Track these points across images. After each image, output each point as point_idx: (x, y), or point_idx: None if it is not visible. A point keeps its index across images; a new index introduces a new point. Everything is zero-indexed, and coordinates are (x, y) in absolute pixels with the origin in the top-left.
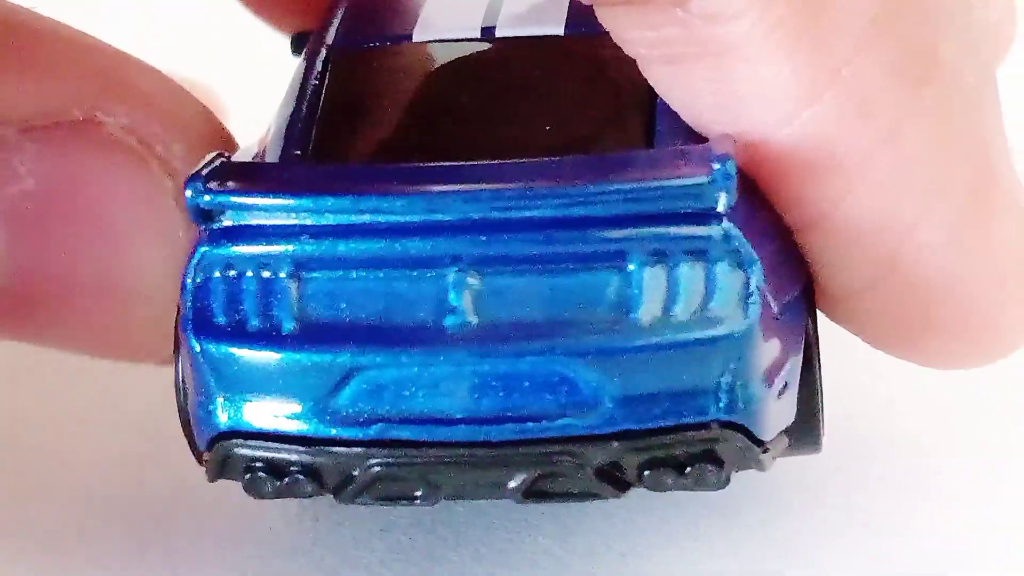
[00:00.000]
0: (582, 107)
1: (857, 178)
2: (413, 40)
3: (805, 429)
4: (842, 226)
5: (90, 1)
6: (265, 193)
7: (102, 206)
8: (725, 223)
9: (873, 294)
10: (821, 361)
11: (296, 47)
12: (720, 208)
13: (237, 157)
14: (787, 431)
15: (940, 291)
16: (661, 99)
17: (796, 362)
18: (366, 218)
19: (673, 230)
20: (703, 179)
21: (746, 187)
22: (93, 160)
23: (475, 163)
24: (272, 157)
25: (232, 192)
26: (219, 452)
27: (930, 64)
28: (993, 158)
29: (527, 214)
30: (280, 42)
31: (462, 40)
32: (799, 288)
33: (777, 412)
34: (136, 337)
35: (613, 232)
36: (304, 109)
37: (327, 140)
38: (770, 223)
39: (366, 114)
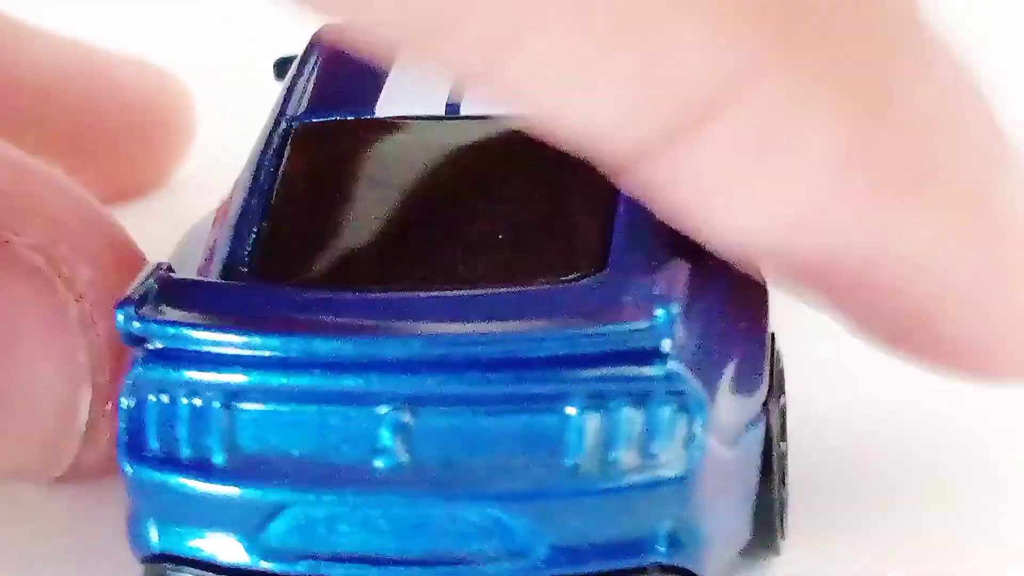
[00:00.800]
0: (538, 206)
1: (858, 285)
2: (376, 115)
3: (762, 536)
4: (847, 315)
5: None
6: (196, 325)
7: (4, 327)
8: (669, 364)
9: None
10: (786, 450)
11: (278, 72)
12: (664, 349)
13: (180, 256)
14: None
15: (960, 345)
16: (622, 200)
17: (752, 481)
18: (298, 354)
19: (613, 372)
20: (644, 324)
21: (702, 306)
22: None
23: (415, 296)
24: (218, 261)
25: (161, 322)
26: (152, 571)
27: (915, 175)
28: (1009, 237)
29: (463, 355)
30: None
31: (425, 118)
32: (758, 403)
33: (725, 542)
34: (29, 456)
35: (551, 375)
36: (256, 200)
37: (276, 243)
38: (728, 341)
39: (319, 212)
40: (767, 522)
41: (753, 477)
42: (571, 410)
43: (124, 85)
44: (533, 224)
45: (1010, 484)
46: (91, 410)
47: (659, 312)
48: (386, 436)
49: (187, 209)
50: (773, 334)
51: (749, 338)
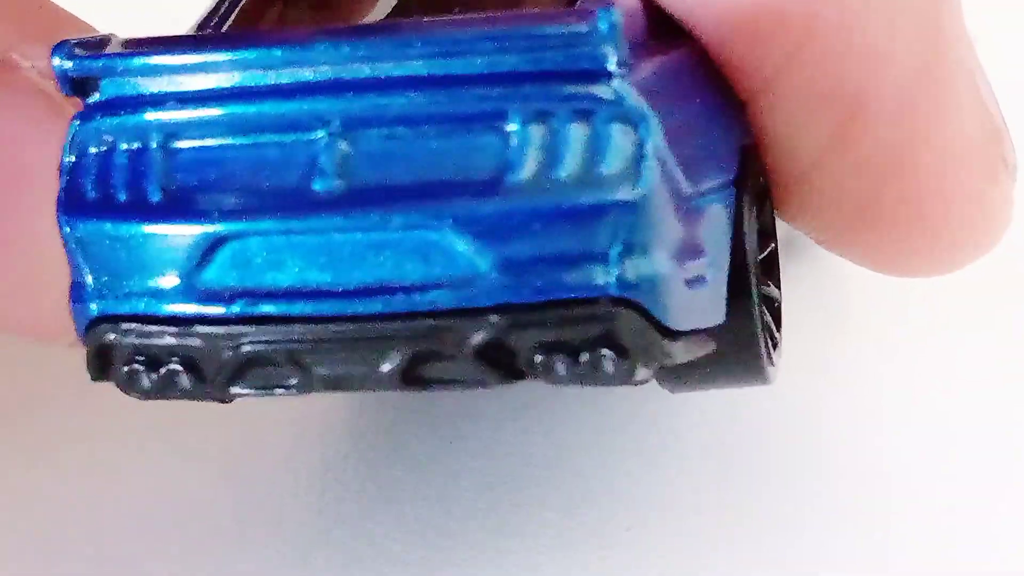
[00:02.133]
0: None
1: (804, 39)
2: None
3: (743, 348)
4: (790, 91)
5: None
6: (129, 57)
7: (15, 148)
8: (616, 81)
9: (822, 172)
10: (779, 297)
11: None
12: (610, 65)
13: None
14: (715, 337)
15: (889, 167)
16: None
17: (719, 257)
18: (233, 80)
19: (558, 88)
20: (582, 28)
21: (670, 59)
22: (7, 101)
23: (347, 25)
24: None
25: (96, 58)
26: (94, 340)
27: None
28: (944, 25)
29: (400, 72)
30: None
31: None
32: (726, 177)
33: (689, 302)
34: (41, 311)
35: (491, 89)
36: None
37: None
38: (691, 106)
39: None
40: (747, 324)
41: (721, 252)
42: (512, 126)
43: None
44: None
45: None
46: None
47: (600, 15)
48: (323, 160)
49: None
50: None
51: (718, 119)
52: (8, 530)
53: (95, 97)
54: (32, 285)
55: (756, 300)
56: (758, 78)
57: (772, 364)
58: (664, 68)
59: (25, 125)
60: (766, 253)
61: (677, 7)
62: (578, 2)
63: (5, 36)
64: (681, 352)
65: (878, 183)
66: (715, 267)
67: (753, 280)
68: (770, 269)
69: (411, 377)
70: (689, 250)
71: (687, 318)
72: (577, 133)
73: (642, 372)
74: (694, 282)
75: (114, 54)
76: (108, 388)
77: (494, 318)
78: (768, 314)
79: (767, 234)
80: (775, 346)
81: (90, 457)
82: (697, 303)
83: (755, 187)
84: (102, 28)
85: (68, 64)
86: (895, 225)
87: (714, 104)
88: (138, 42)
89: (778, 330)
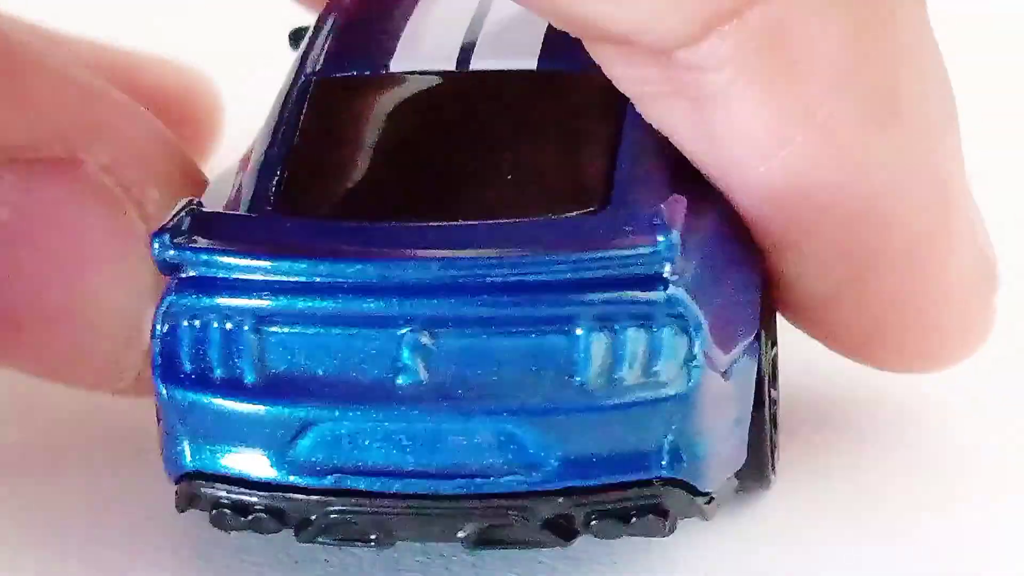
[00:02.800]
0: (545, 150)
1: (827, 211)
2: (391, 70)
3: (755, 468)
4: (810, 251)
5: None
6: (227, 252)
7: (75, 243)
8: (671, 289)
9: (831, 310)
10: (777, 397)
11: (293, 41)
12: (666, 274)
13: (209, 198)
14: (736, 473)
15: (895, 308)
16: (624, 143)
17: (745, 410)
18: (324, 278)
19: (619, 296)
20: (647, 249)
21: (700, 239)
22: (70, 197)
23: (432, 225)
24: (244, 200)
25: (195, 250)
26: (186, 489)
27: (895, 106)
28: (952, 193)
29: (479, 279)
30: (279, 31)
31: (437, 73)
32: (751, 335)
33: (722, 462)
34: (94, 367)
35: (561, 298)
36: (278, 147)
37: (298, 182)
38: (723, 276)
39: (338, 155)
40: (760, 446)
41: (747, 404)
42: (579, 331)
43: (149, 84)
44: (541, 166)
45: (999, 422)
46: None
47: (661, 239)
48: (406, 356)
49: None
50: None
51: (742, 273)
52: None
53: (189, 273)
54: (87, 349)
55: (771, 434)
56: (784, 239)
57: (775, 472)
58: (704, 254)
59: (88, 218)
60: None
61: (711, 172)
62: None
63: (72, 132)
64: (714, 508)
65: (884, 319)
66: (743, 419)
67: (769, 418)
68: (775, 373)
69: (482, 540)
70: (725, 418)
71: (720, 477)
72: (636, 337)
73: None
74: (728, 442)
75: (211, 249)
76: None
77: (560, 499)
78: (773, 425)
79: (774, 343)
80: (775, 452)
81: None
82: (729, 459)
83: (769, 326)
84: (103, 29)
85: (168, 253)
86: (898, 346)
87: (741, 262)
88: (232, 227)
89: (776, 432)
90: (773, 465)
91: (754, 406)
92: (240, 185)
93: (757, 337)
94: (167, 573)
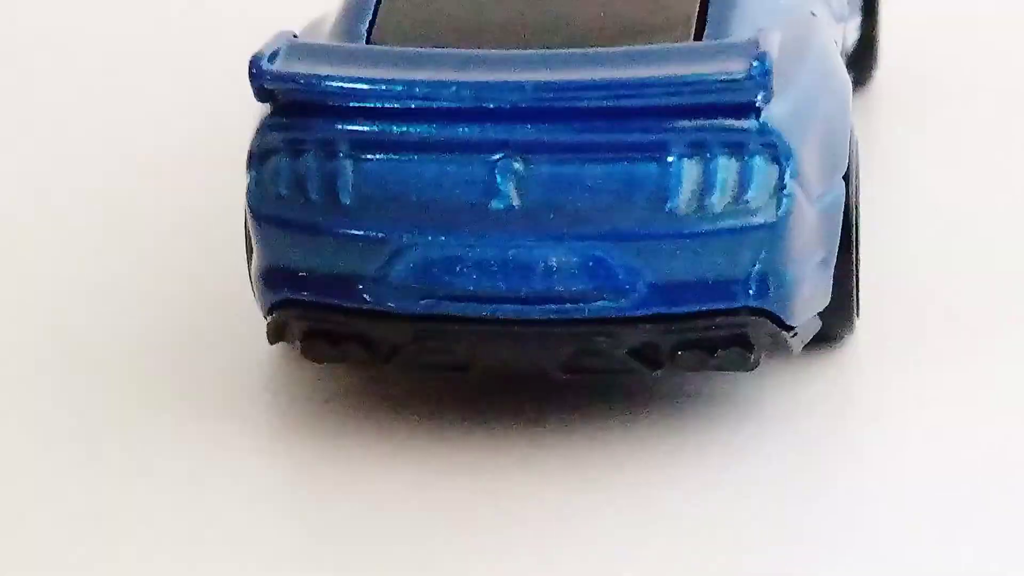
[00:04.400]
0: None
1: None
2: None
3: (839, 309)
4: None
5: None
6: (323, 77)
7: None
8: (763, 117)
9: None
10: (859, 241)
11: None
12: (758, 103)
13: (303, 34)
14: (820, 314)
15: None
16: None
17: (832, 248)
18: (419, 103)
19: (711, 123)
20: (740, 74)
21: (795, 72)
22: None
23: (526, 51)
24: (337, 33)
25: (291, 75)
26: (276, 320)
27: None
28: None
29: (571, 105)
30: None
31: None
32: (838, 174)
33: (809, 298)
34: None
35: (653, 124)
36: None
37: (391, 19)
38: (817, 110)
39: None
40: (845, 288)
41: (835, 241)
42: (670, 157)
43: None
44: (634, 2)
45: None
46: None
47: (755, 65)
48: (500, 181)
49: None
50: (854, 124)
51: (833, 113)
52: None
53: (284, 100)
54: None
55: (856, 274)
56: None
57: (858, 316)
58: (800, 86)
59: None
60: None
61: None
62: (722, 38)
63: None
64: (799, 343)
65: None
66: (830, 255)
67: (855, 259)
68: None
69: (569, 367)
70: (813, 253)
71: (806, 312)
72: (727, 165)
73: (761, 360)
74: (815, 279)
75: (307, 74)
76: None
77: (648, 326)
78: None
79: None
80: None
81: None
82: (815, 296)
83: (855, 170)
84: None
85: (265, 78)
86: None
87: (837, 98)
88: (328, 55)
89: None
90: (857, 309)
91: (841, 246)
92: (332, 26)
93: (846, 177)
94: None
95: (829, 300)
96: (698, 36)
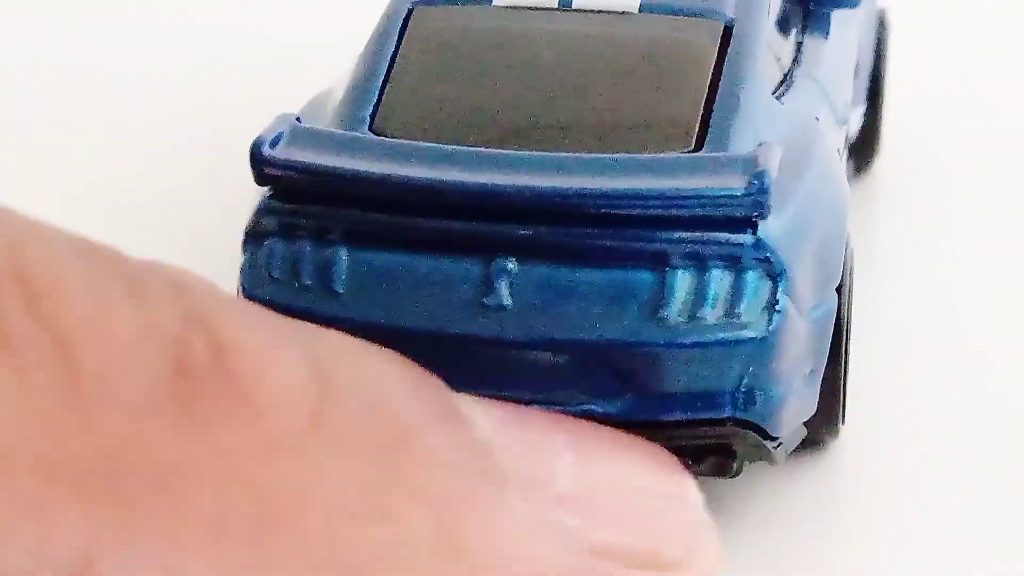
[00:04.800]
0: (642, 90)
1: None
2: (492, 3)
3: (825, 418)
4: None
5: None
6: (323, 166)
7: None
8: (759, 233)
9: None
10: (849, 351)
11: None
12: (754, 218)
13: (305, 118)
14: (806, 423)
15: None
16: (723, 88)
17: (821, 360)
18: (417, 199)
19: (707, 236)
20: (738, 191)
21: (793, 187)
22: None
23: (526, 153)
24: (341, 121)
25: (292, 162)
26: None
27: None
28: None
29: (568, 210)
30: None
31: (539, 8)
32: (832, 287)
33: (794, 410)
34: None
35: (650, 233)
36: (376, 72)
37: (395, 107)
38: (813, 226)
39: (435, 82)
40: (832, 397)
41: (823, 354)
42: (665, 268)
43: None
44: (637, 106)
45: None
46: None
47: (754, 182)
48: (493, 280)
49: None
50: (849, 235)
51: (832, 225)
52: None
53: (284, 184)
54: None
55: (843, 384)
56: None
57: (843, 423)
58: (797, 202)
59: None
60: None
61: None
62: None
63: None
64: (783, 453)
65: None
66: (818, 367)
67: (843, 369)
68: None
69: None
70: (801, 366)
71: (791, 424)
72: (721, 278)
73: (744, 468)
74: (802, 391)
75: (308, 162)
76: None
77: (633, 432)
78: (845, 379)
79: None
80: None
81: None
82: (801, 407)
83: (849, 280)
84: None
85: (266, 163)
86: None
87: (832, 215)
88: (329, 143)
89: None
90: (843, 417)
91: (830, 356)
92: (338, 104)
93: (839, 289)
94: None
95: (814, 410)
96: (699, 144)
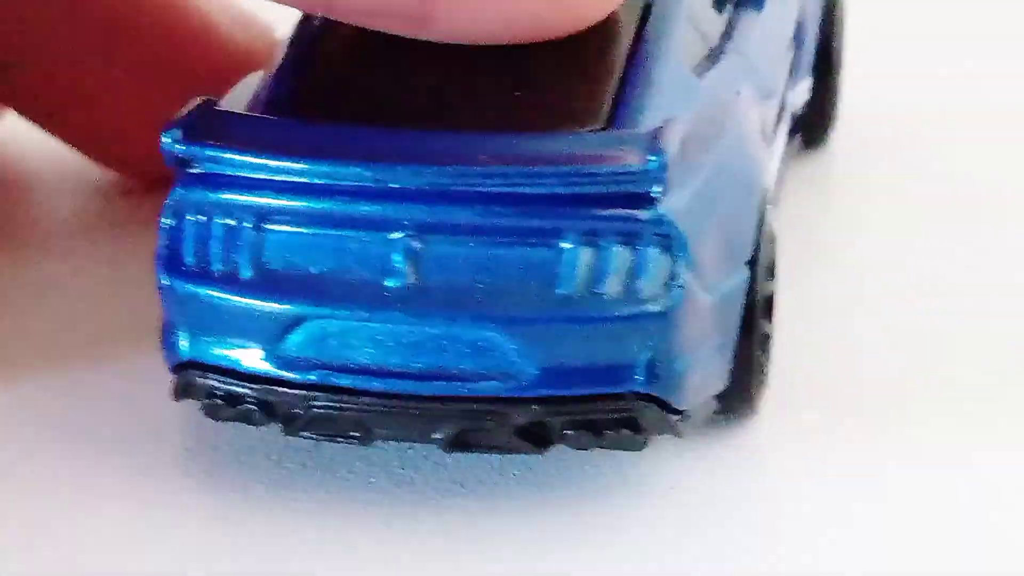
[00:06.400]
0: (554, 70)
1: None
2: None
3: (740, 393)
4: None
5: None
6: (233, 150)
7: None
8: (658, 209)
9: None
10: (769, 327)
11: None
12: (653, 194)
13: (230, 100)
14: (718, 396)
15: None
16: (633, 68)
17: (729, 335)
18: (324, 180)
19: (607, 213)
20: (636, 167)
21: (698, 163)
22: None
23: (431, 133)
24: (260, 103)
25: (203, 146)
26: (182, 378)
27: None
28: None
29: (471, 188)
30: None
31: None
32: (743, 260)
33: (700, 383)
34: None
35: (549, 211)
36: (296, 58)
37: (311, 90)
38: (719, 203)
39: (351, 67)
40: (745, 372)
41: (732, 329)
42: (565, 244)
43: (209, 28)
44: (548, 85)
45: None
46: None
47: (652, 159)
48: (397, 259)
49: None
50: (766, 210)
51: (740, 202)
52: None
53: (196, 169)
54: None
55: (757, 359)
56: None
57: (760, 400)
58: (702, 179)
59: None
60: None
61: None
62: (626, 130)
63: None
64: (688, 426)
65: None
66: (726, 343)
67: (758, 346)
68: (769, 307)
69: (457, 443)
70: (706, 338)
71: (697, 397)
72: (620, 254)
73: (651, 441)
74: (707, 365)
75: (218, 146)
76: None
77: (535, 407)
78: (764, 354)
79: (771, 275)
80: (764, 382)
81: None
82: (707, 381)
83: (767, 257)
84: None
85: (178, 148)
86: None
87: (742, 193)
88: (240, 127)
89: (767, 363)
90: (760, 394)
91: (741, 333)
92: (258, 90)
93: (749, 265)
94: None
95: (727, 383)
96: (610, 121)
